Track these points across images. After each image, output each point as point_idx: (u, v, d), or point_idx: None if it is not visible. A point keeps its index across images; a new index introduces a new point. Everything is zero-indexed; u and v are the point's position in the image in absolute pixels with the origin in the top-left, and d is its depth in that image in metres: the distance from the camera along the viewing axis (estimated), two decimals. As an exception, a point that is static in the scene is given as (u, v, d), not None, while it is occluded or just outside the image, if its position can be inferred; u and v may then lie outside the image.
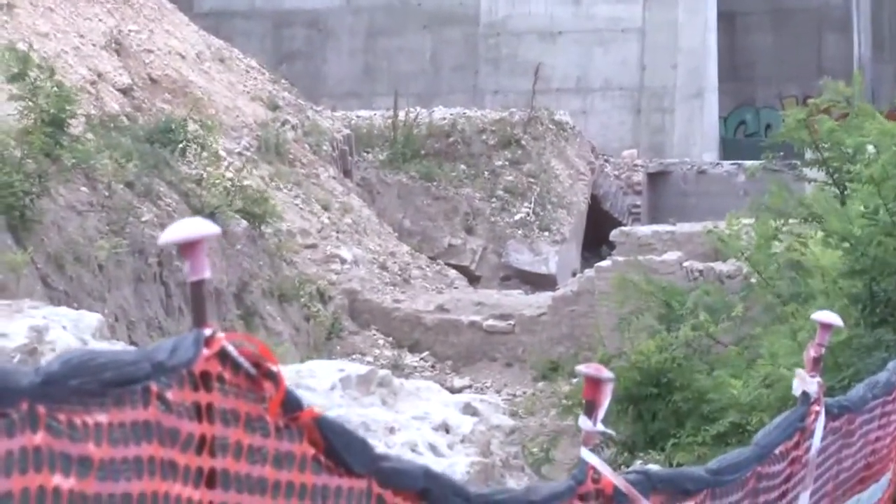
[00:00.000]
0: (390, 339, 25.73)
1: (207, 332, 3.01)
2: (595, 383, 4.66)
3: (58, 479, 2.58)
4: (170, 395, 2.90)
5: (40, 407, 2.57)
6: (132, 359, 2.86)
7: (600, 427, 4.66)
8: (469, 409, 10.93)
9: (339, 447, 3.39)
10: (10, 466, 2.49)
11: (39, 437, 2.56)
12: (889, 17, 49.02)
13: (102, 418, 2.72)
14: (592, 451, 4.68)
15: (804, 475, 6.66)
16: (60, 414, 2.62)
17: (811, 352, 6.84)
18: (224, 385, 3.04)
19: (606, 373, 4.69)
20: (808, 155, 17.70)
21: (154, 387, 2.86)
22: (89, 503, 2.65)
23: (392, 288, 27.66)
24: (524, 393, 23.44)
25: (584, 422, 4.66)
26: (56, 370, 2.64)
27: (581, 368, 4.79)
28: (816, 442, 6.72)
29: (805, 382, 6.74)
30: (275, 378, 3.14)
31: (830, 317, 7.14)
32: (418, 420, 10.05)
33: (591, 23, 41.76)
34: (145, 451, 2.82)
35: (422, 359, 25.27)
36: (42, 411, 2.57)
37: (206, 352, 2.98)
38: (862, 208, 13.77)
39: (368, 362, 20.92)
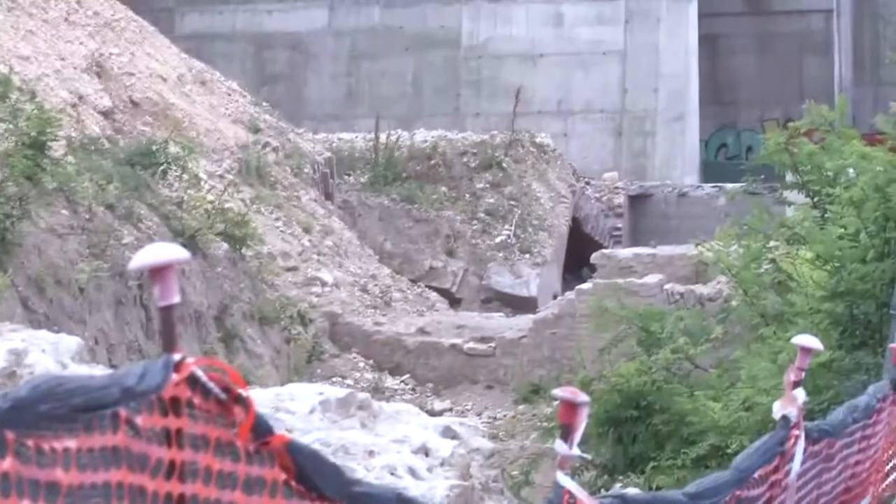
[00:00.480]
0: (371, 361, 25.72)
1: (177, 357, 3.01)
2: (571, 407, 4.66)
3: (26, 504, 2.59)
4: (139, 420, 2.90)
5: (8, 433, 2.57)
6: (101, 384, 2.86)
7: (576, 451, 4.66)
8: (449, 433, 10.93)
9: (310, 472, 3.39)
10: (-26, 491, 2.50)
11: (7, 463, 2.56)
12: (869, 40, 49.14)
13: (71, 444, 2.72)
14: (569, 474, 4.68)
15: (784, 499, 6.66)
16: (29, 440, 2.62)
17: (791, 375, 6.85)
18: (194, 410, 3.04)
19: (582, 396, 4.69)
20: (789, 178, 17.73)
21: (123, 412, 2.85)
22: (57, 530, 2.66)
23: (373, 311, 27.67)
24: (505, 416, 23.46)
25: (560, 446, 4.67)
26: (24, 395, 2.64)
27: (557, 392, 4.79)
28: (796, 466, 6.73)
29: (786, 406, 6.76)
30: (245, 403, 3.14)
31: (810, 340, 7.16)
32: (398, 443, 10.05)
33: (573, 45, 41.84)
34: (114, 477, 2.82)
35: (402, 381, 25.27)
36: (10, 437, 2.57)
37: (175, 377, 2.98)
38: (842, 231, 13.80)
39: (349, 385, 20.95)
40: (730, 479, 6.13)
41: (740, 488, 6.18)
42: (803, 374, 6.95)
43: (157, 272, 3.09)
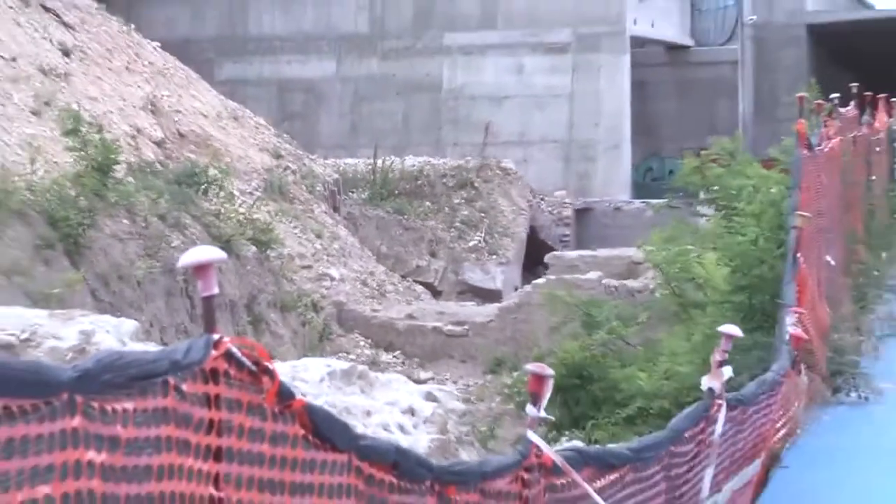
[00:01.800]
0: (369, 340, 25.70)
1: (216, 336, 3.00)
2: (539, 378, 4.66)
3: (91, 454, 2.57)
4: (185, 386, 2.89)
5: (78, 396, 2.55)
6: (153, 358, 2.85)
7: (543, 414, 4.65)
8: (430, 397, 10.92)
9: (324, 429, 3.37)
10: (52, 444, 2.48)
11: (77, 421, 2.54)
12: (768, 86, 49.17)
13: (129, 405, 2.70)
14: (536, 432, 4.66)
15: (709, 454, 6.66)
16: (94, 402, 2.60)
17: (717, 356, 6.85)
18: (230, 379, 3.03)
19: (548, 370, 4.68)
20: (701, 195, 17.76)
21: (172, 380, 2.84)
22: (117, 474, 2.64)
23: (371, 300, 27.65)
24: (475, 384, 23.40)
25: (530, 409, 4.66)
26: (90, 367, 2.63)
27: (528, 367, 4.78)
28: (719, 428, 6.73)
29: (712, 380, 6.75)
30: (271, 374, 3.13)
31: (733, 329, 7.19)
32: (390, 405, 10.04)
33: (531, 90, 41.84)
34: (164, 432, 2.80)
35: (394, 356, 25.23)
36: (79, 400, 2.56)
37: (214, 353, 2.97)
38: (744, 237, 13.81)
39: (351, 359, 20.86)
40: (665, 437, 6.13)
41: (674, 445, 6.18)
42: (727, 355, 6.96)
43: (200, 269, 3.09)
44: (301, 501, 3.30)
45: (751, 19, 50.91)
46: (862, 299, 17.13)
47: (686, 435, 6.34)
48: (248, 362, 3.07)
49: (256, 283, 24.34)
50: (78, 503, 2.54)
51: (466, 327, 25.56)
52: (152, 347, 10.40)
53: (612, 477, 5.20)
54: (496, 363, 22.94)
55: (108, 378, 2.66)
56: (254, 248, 24.77)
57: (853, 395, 13.38)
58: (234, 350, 3.02)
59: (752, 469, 8.07)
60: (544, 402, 4.66)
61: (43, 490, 2.46)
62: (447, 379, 23.74)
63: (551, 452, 4.65)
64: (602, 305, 15.33)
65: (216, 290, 3.08)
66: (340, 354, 22.60)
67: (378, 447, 3.67)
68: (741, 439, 7.44)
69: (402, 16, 42.72)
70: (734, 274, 13.24)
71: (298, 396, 3.25)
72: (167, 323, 20.86)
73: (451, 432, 10.14)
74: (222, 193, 25.93)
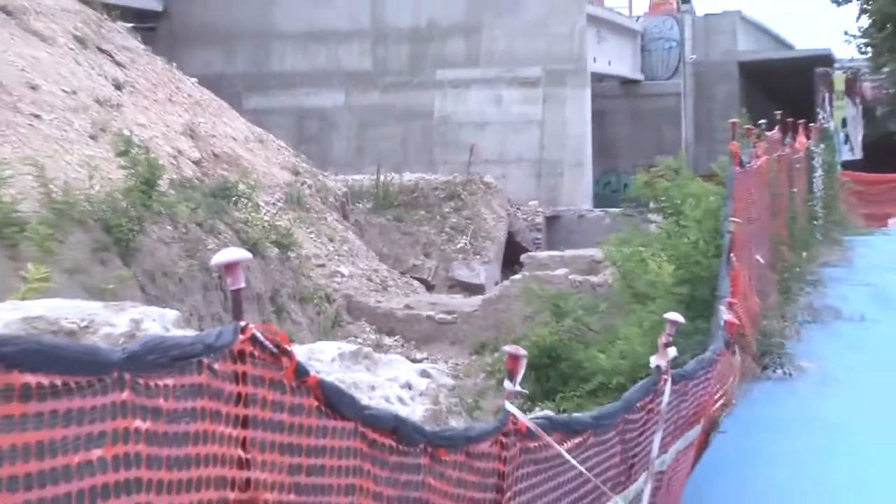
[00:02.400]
0: (374, 327, 25.69)
1: (242, 323, 3.00)
2: (514, 358, 4.66)
3: (138, 423, 2.56)
4: (217, 365, 2.88)
5: (126, 374, 2.54)
6: (190, 342, 2.85)
7: (518, 388, 4.65)
8: (425, 374, 10.88)
9: (333, 400, 3.37)
10: (104, 414, 2.47)
11: (125, 395, 2.53)
12: (706, 114, 49.37)
13: (170, 381, 2.70)
14: (513, 403, 4.66)
15: (657, 421, 6.66)
16: (140, 379, 2.59)
17: (663, 339, 6.87)
18: (255, 359, 3.02)
19: (522, 351, 4.68)
20: (651, 204, 17.76)
21: (206, 360, 2.84)
22: (160, 439, 2.63)
23: (375, 293, 27.64)
24: (463, 363, 23.39)
25: (508, 384, 4.65)
26: (137, 349, 2.62)
27: (505, 348, 4.78)
28: (665, 399, 6.73)
29: (659, 359, 6.76)
30: (289, 354, 3.13)
31: (676, 316, 7.22)
32: (391, 381, 10.00)
33: (508, 117, 41.92)
34: (199, 404, 2.80)
35: (395, 340, 25.21)
36: (127, 377, 2.55)
37: (241, 337, 2.97)
38: (688, 240, 13.81)
39: (359, 343, 20.81)
40: (620, 407, 6.13)
41: (627, 413, 6.17)
42: (671, 338, 6.97)
43: (229, 267, 3.09)
44: (315, 461, 3.30)
45: (691, 58, 51.07)
46: (786, 291, 17.17)
47: (638, 405, 6.35)
48: (269, 345, 3.06)
49: (279, 279, 24.34)
50: (126, 464, 2.54)
51: (455, 316, 25.56)
52: (191, 333, 10.36)
53: (577, 440, 5.19)
54: (480, 346, 22.93)
55: (151, 358, 2.65)
56: (276, 250, 24.78)
57: (779, 371, 13.40)
58: (258, 335, 3.02)
59: (694, 433, 8.07)
60: (519, 378, 4.65)
61: (96, 453, 2.45)
62: (439, 359, 23.73)
63: (525, 420, 4.65)
64: (568, 297, 15.32)
65: (243, 285, 3.08)
66: (349, 339, 22.59)
67: (379, 416, 3.66)
68: (684, 408, 7.44)
69: (399, 56, 42.75)
70: (678, 270, 13.24)
71: (312, 373, 3.25)
72: (204, 313, 20.85)
73: (442, 403, 10.11)
74: (250, 204, 25.95)
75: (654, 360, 6.79)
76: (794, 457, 10.32)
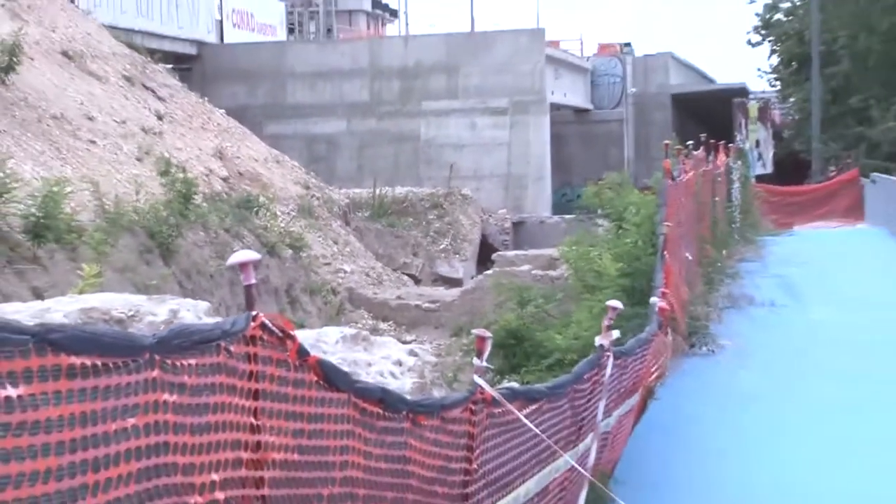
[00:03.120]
0: (371, 314, 25.62)
1: (254, 313, 2.99)
2: (482, 339, 4.67)
3: (166, 396, 2.55)
4: (232, 347, 2.86)
5: (156, 356, 2.53)
6: (210, 328, 2.84)
7: (485, 364, 4.65)
8: (413, 353, 10.83)
9: (330, 376, 3.35)
10: (138, 388, 2.45)
11: (156, 373, 2.52)
12: (644, 137, 49.48)
13: (192, 361, 2.68)
14: (481, 377, 4.66)
15: (601, 391, 6.65)
16: (168, 359, 2.57)
17: (605, 322, 6.87)
18: (264, 342, 3.00)
19: (488, 333, 4.69)
20: (599, 212, 17.76)
21: (223, 343, 2.82)
22: (184, 409, 2.62)
23: (372, 286, 27.58)
24: (444, 343, 23.38)
25: (476, 361, 4.65)
26: (165, 335, 2.61)
27: (474, 331, 4.79)
28: (608, 373, 6.72)
29: (603, 339, 6.76)
30: (292, 338, 3.12)
31: (617, 303, 7.21)
32: (384, 359, 9.95)
33: (481, 140, 41.94)
34: (217, 380, 2.78)
35: (388, 325, 25.16)
36: (157, 358, 2.53)
37: (252, 324, 2.95)
38: (629, 241, 13.82)
39: (358, 328, 20.78)
40: (570, 378, 6.12)
41: (576, 384, 6.16)
42: (613, 321, 6.97)
43: (243, 266, 3.08)
44: (314, 427, 3.29)
45: (632, 91, 51.18)
46: (710, 282, 17.21)
47: (585, 377, 6.33)
48: (276, 330, 3.06)
49: (293, 275, 24.27)
50: (155, 431, 2.52)
51: (438, 305, 25.53)
52: (219, 321, 10.33)
53: (534, 407, 5.18)
54: (458, 329, 22.87)
55: (177, 342, 2.64)
56: (290, 251, 24.72)
57: (704, 349, 13.44)
58: (267, 322, 3.02)
59: (633, 401, 8.06)
60: (486, 355, 4.65)
61: (131, 421, 2.44)
62: (425, 340, 23.67)
63: (491, 390, 4.65)
64: (531, 289, 15.27)
65: (254, 281, 3.09)
66: (351, 324, 22.55)
67: (368, 388, 3.66)
68: (625, 380, 7.44)
69: (392, 90, 42.74)
70: (621, 266, 13.24)
71: (312, 354, 3.24)
72: (231, 304, 20.77)
73: (426, 377, 10.07)
74: (268, 214, 25.93)
75: (598, 340, 6.78)
76: (717, 419, 10.35)
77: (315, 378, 3.25)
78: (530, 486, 5.17)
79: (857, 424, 10.02)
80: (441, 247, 34.24)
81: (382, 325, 24.93)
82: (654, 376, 9.24)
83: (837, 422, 10.13)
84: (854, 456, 9.09)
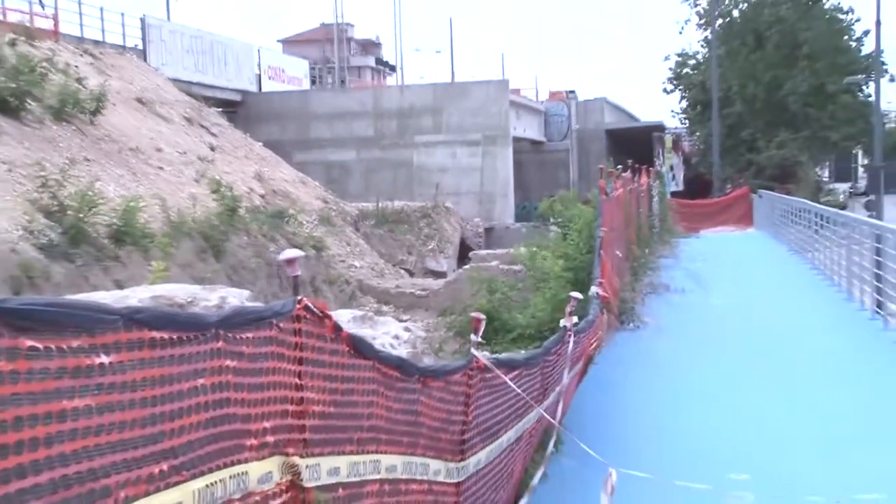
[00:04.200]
0: (376, 300, 25.53)
1: (299, 297, 2.93)
2: (478, 320, 4.62)
3: (228, 362, 2.48)
4: (282, 324, 2.80)
5: (220, 330, 2.46)
6: (264, 308, 2.78)
7: (479, 339, 4.60)
8: (407, 329, 10.78)
9: (359, 347, 3.30)
10: (205, 356, 2.39)
11: (220, 344, 2.45)
12: (585, 163, 49.52)
13: (249, 335, 2.61)
14: (476, 349, 4.61)
15: (564, 361, 6.61)
16: (229, 333, 2.51)
17: (568, 309, 6.84)
18: (307, 320, 2.94)
19: (482, 316, 4.65)
20: (551, 220, 17.72)
21: (274, 321, 2.76)
22: (242, 372, 2.56)
23: (376, 278, 27.48)
24: (432, 322, 23.28)
25: (473, 337, 4.60)
26: (228, 314, 2.54)
27: (472, 314, 4.75)
28: (570, 347, 6.68)
29: (566, 321, 6.72)
30: (329, 317, 3.05)
31: (578, 294, 7.19)
32: (385, 334, 9.90)
33: (460, 166, 41.93)
34: (269, 350, 2.72)
35: (389, 308, 25.05)
36: (221, 332, 2.46)
37: (298, 306, 2.89)
38: (572, 242, 13.79)
39: (365, 310, 20.67)
40: (542, 352, 6.07)
41: (546, 356, 6.11)
42: (576, 305, 6.94)
43: (290, 261, 3.03)
44: (346, 386, 3.24)
45: (575, 127, 51.23)
46: (635, 274, 17.19)
47: (552, 351, 6.28)
48: (317, 311, 2.99)
49: (315, 269, 24.17)
50: (220, 389, 2.47)
51: (427, 292, 25.45)
52: (258, 305, 10.26)
53: (515, 373, 5.13)
54: (443, 311, 22.67)
55: (237, 320, 2.58)
56: (314, 251, 24.62)
57: (631, 325, 13.40)
58: (310, 304, 2.97)
59: (578, 366, 8.01)
60: (480, 333, 4.59)
61: (200, 381, 2.38)
62: (417, 320, 23.55)
63: (484, 359, 4.59)
64: (498, 280, 15.20)
65: (299, 272, 3.03)
66: (360, 307, 22.49)
67: (388, 356, 3.62)
68: (577, 350, 7.39)
69: (391, 127, 42.70)
70: (566, 262, 13.19)
71: (344, 330, 3.18)
72: (267, 293, 20.67)
73: (418, 348, 10.03)
74: (296, 222, 25.88)
75: (562, 322, 6.74)
76: (641, 379, 10.32)
77: (347, 348, 3.19)
78: (510, 434, 5.12)
79: (744, 379, 10.08)
80: (429, 247, 34.16)
81: (385, 308, 24.83)
82: (593, 346, 9.20)
83: (729, 378, 10.18)
84: (741, 403, 9.16)
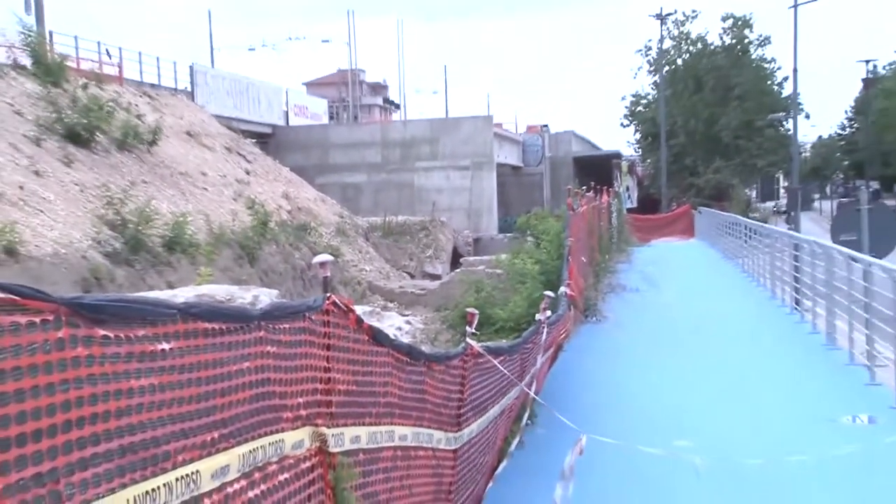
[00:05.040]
0: (383, 298, 25.37)
1: (328, 295, 2.90)
2: (472, 315, 4.59)
3: (268, 348, 2.46)
4: (313, 317, 2.78)
5: (262, 322, 2.43)
6: (298, 304, 2.75)
7: (472, 331, 4.56)
8: (408, 322, 10.75)
9: (378, 336, 3.28)
10: (249, 344, 2.38)
11: (262, 333, 2.43)
12: (556, 184, 49.47)
13: (287, 325, 2.59)
14: (469, 337, 4.57)
15: (539, 348, 6.58)
16: (270, 324, 2.49)
17: (543, 304, 6.81)
18: (334, 314, 2.92)
19: (475, 311, 4.62)
20: (528, 232, 17.67)
21: (307, 314, 2.73)
22: (281, 357, 2.54)
23: (383, 280, 27.37)
24: (429, 317, 23.15)
25: (468, 329, 4.56)
26: (268, 308, 2.51)
27: (467, 309, 4.71)
28: (543, 337, 6.65)
29: (541, 314, 6.68)
30: (353, 311, 3.04)
31: (550, 293, 7.17)
32: (390, 326, 9.88)
33: (453, 187, 41.85)
34: (303, 338, 2.70)
35: (393, 305, 24.90)
36: (263, 323, 2.44)
37: (327, 302, 2.87)
38: (545, 249, 13.75)
39: (374, 307, 20.65)
40: (521, 340, 6.04)
41: (525, 344, 6.09)
42: (549, 302, 6.90)
43: (322, 264, 3.01)
44: (366, 368, 3.22)
45: (548, 155, 51.26)
46: (597, 276, 17.17)
47: (530, 340, 6.26)
48: (343, 306, 2.98)
49: (332, 272, 24.00)
50: (262, 371, 2.45)
51: (425, 291, 25.34)
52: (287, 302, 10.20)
53: (501, 358, 5.10)
54: (438, 307, 22.64)
55: (276, 313, 2.56)
56: (332, 258, 24.41)
57: (593, 319, 13.37)
58: (337, 300, 2.95)
59: (549, 352, 7.98)
60: (474, 325, 4.55)
61: (245, 364, 2.36)
62: (417, 314, 23.52)
63: (478, 347, 4.56)
64: (484, 281, 15.13)
65: (329, 274, 3.01)
66: (369, 304, 22.40)
67: (400, 344, 3.60)
68: (550, 339, 7.37)
69: (396, 155, 42.65)
70: (540, 267, 13.14)
71: (365, 322, 3.15)
72: (293, 292, 20.61)
73: (417, 338, 10.01)
74: (316, 234, 25.80)
75: (538, 316, 6.71)
76: (602, 365, 10.29)
77: (367, 338, 3.17)
78: (495, 409, 5.10)
79: (688, 362, 10.07)
80: (427, 254, 34.07)
81: (390, 305, 24.72)
82: (563, 336, 9.18)
83: (677, 361, 10.16)
84: (687, 382, 9.15)
